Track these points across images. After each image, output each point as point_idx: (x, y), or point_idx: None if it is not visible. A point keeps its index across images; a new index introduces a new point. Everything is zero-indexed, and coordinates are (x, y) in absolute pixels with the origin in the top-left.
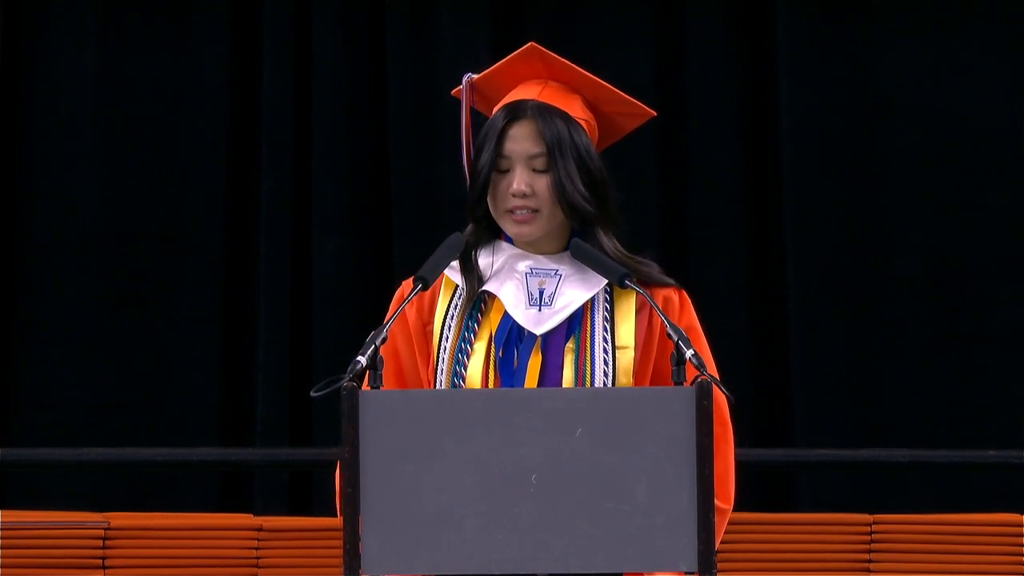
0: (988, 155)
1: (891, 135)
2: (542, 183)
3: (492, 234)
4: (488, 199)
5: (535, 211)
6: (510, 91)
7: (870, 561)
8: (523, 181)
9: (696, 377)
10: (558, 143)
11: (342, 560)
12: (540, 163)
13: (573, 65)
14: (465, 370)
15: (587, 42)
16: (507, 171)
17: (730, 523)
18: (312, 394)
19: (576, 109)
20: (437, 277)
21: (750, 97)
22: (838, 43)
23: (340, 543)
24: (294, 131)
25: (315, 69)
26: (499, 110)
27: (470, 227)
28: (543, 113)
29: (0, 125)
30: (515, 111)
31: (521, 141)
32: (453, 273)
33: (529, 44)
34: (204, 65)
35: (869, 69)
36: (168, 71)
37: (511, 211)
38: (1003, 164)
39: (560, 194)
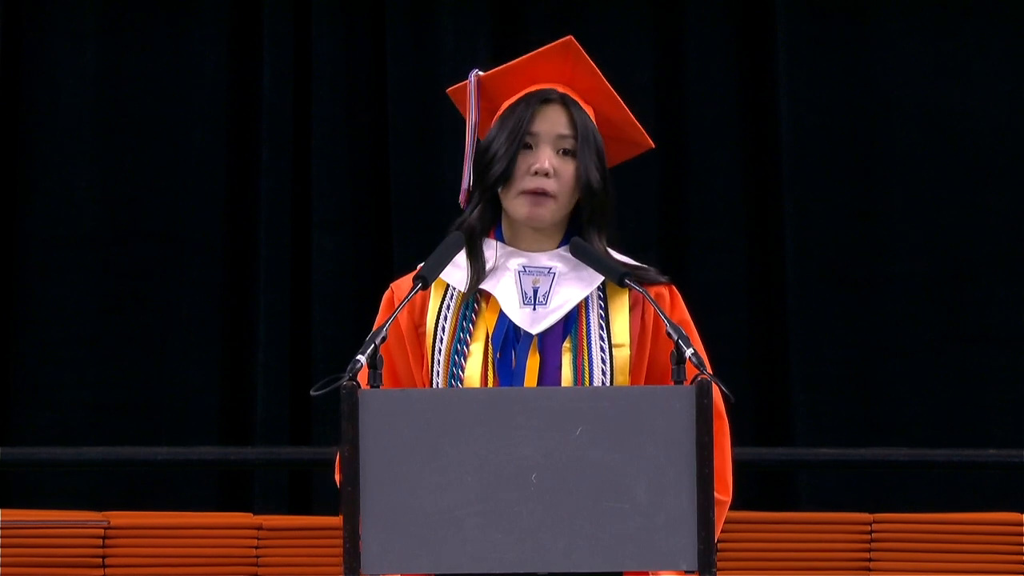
0: (988, 155)
1: (891, 135)
2: (567, 167)
3: (483, 230)
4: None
5: (551, 196)
6: (525, 88)
7: (870, 560)
8: (549, 158)
9: (696, 376)
10: (585, 132)
11: (342, 559)
12: (568, 145)
13: (598, 71)
14: (463, 372)
15: (587, 42)
16: (531, 149)
17: (730, 522)
18: (312, 393)
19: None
20: (437, 276)
21: (750, 97)
22: (838, 43)
23: (340, 542)
24: (294, 131)
25: (315, 69)
26: (525, 96)
27: (467, 223)
28: (573, 103)
29: (0, 125)
30: (546, 95)
31: (552, 122)
32: (444, 273)
33: (568, 37)
34: (204, 65)
35: (869, 69)
36: (168, 71)
37: (528, 192)
38: (1003, 164)
39: (585, 180)
